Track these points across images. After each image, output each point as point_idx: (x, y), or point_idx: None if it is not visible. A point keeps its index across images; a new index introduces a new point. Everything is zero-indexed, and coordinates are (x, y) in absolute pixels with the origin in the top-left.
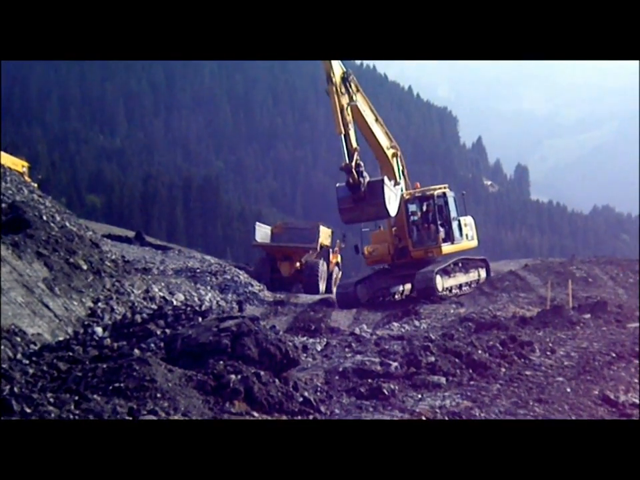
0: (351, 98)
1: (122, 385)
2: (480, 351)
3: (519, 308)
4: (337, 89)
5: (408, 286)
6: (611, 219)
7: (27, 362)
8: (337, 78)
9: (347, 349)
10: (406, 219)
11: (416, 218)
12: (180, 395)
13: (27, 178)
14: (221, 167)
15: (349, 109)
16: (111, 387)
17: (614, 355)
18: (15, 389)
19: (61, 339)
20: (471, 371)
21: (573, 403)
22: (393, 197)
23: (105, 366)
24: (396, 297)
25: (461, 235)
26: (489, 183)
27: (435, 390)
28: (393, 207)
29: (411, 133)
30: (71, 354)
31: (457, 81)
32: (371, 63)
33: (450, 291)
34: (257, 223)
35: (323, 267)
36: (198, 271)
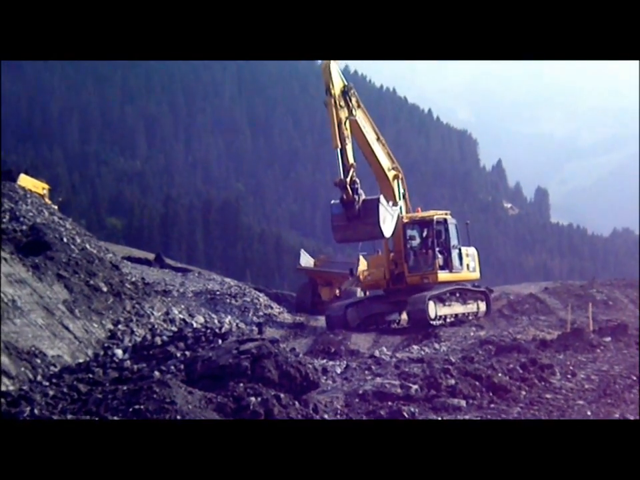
0: (350, 112)
1: (142, 407)
2: (500, 374)
3: (539, 331)
4: (335, 102)
5: (405, 316)
6: (630, 241)
7: (47, 384)
8: (336, 90)
9: (366, 372)
10: (404, 244)
11: (414, 243)
12: (200, 417)
13: (47, 200)
14: (240, 190)
15: (347, 123)
16: (131, 409)
17: (634, 377)
18: (35, 411)
19: (81, 360)
20: (491, 393)
21: None
22: (388, 218)
23: (125, 388)
24: (392, 325)
25: (461, 264)
26: (509, 205)
27: (455, 413)
28: (387, 228)
29: (431, 156)
30: (91, 376)
31: (476, 104)
32: (391, 85)
33: (444, 320)
34: (302, 250)
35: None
36: (218, 293)
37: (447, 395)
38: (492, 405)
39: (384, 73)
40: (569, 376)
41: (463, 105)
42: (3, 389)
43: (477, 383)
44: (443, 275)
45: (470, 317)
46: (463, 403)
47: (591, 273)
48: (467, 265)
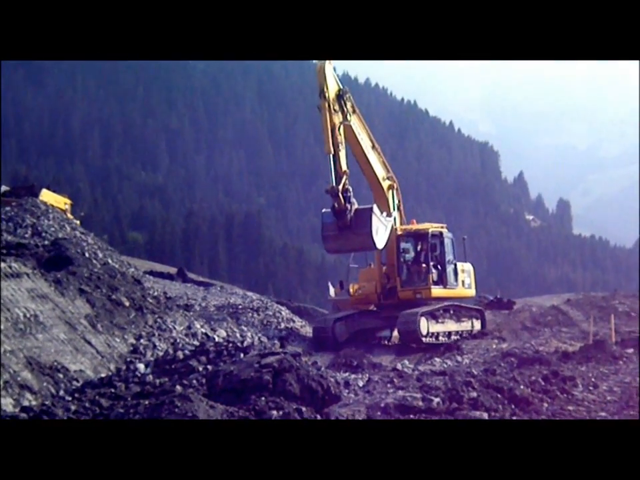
0: (345, 117)
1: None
2: (522, 386)
3: (562, 343)
4: (329, 105)
5: (396, 332)
6: None
7: (70, 399)
8: (330, 93)
9: (388, 385)
10: (397, 257)
11: (408, 256)
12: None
13: (69, 215)
14: (262, 203)
15: (341, 128)
16: None
17: None
18: None
19: (103, 375)
20: (513, 406)
21: None
22: (381, 228)
23: (147, 402)
24: (384, 342)
25: (456, 280)
26: (531, 217)
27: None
28: (380, 239)
29: (452, 168)
30: (113, 390)
31: (498, 116)
32: (412, 98)
33: (437, 337)
34: (329, 282)
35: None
36: (240, 307)
37: (469, 407)
38: (514, 417)
39: (404, 85)
40: (591, 388)
41: (484, 117)
42: (26, 403)
43: (499, 396)
44: (437, 291)
45: (463, 335)
46: (485, 415)
47: (613, 284)
48: (462, 281)
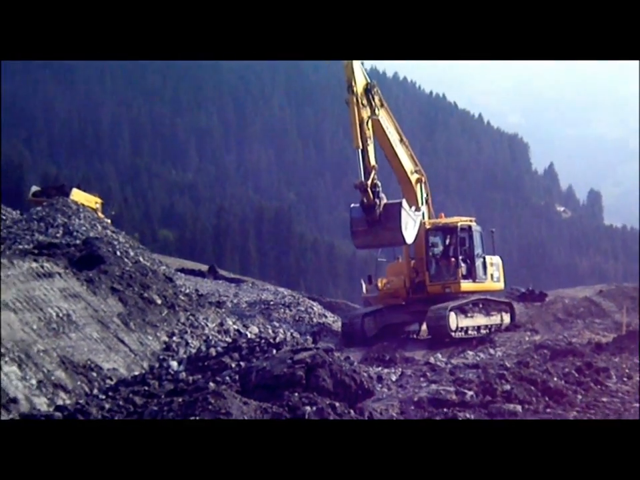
0: (373, 111)
1: (197, 418)
2: (555, 378)
3: (594, 334)
4: (357, 100)
5: (425, 327)
6: None
7: (103, 397)
8: (358, 88)
9: (421, 379)
10: (426, 251)
11: (436, 250)
12: (248, 419)
13: (100, 214)
14: (292, 199)
15: (369, 122)
16: None
17: None
18: None
19: (136, 373)
20: (546, 398)
21: None
22: (410, 223)
23: (180, 400)
24: (413, 336)
25: (485, 274)
26: (562, 209)
27: (511, 418)
28: (410, 234)
29: (482, 161)
30: (146, 388)
31: (527, 107)
32: (440, 91)
33: (466, 332)
34: (362, 280)
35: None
36: (272, 303)
37: (502, 400)
38: (548, 410)
39: (433, 79)
40: (625, 379)
41: (513, 109)
42: (60, 402)
43: (533, 388)
44: (466, 285)
45: (492, 329)
46: (519, 408)
47: None
48: (491, 275)
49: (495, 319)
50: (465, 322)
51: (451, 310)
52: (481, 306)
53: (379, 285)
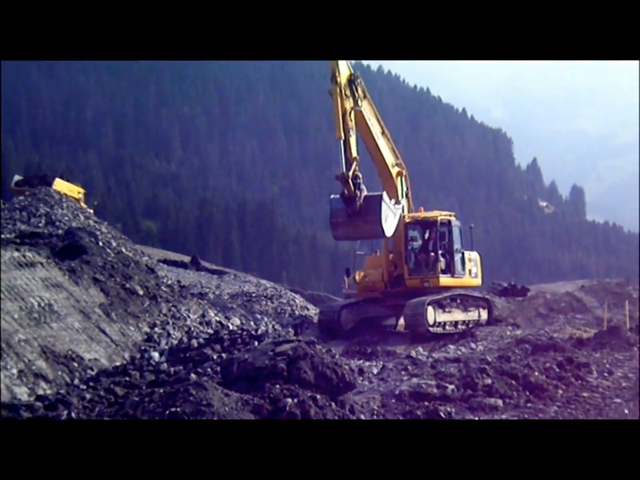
0: (356, 102)
1: (179, 409)
2: (537, 373)
3: (576, 329)
4: (341, 91)
5: (402, 321)
6: None
7: (84, 387)
8: (342, 78)
9: (403, 372)
10: (405, 245)
11: (415, 244)
12: (236, 419)
13: (82, 204)
14: (275, 192)
15: (352, 113)
16: (167, 412)
17: None
18: (73, 414)
19: (117, 364)
20: (527, 393)
21: None
22: (390, 216)
23: (161, 391)
24: (390, 329)
25: (463, 269)
26: (545, 204)
27: (492, 412)
28: (389, 227)
29: (466, 155)
30: (127, 379)
31: (511, 102)
32: (425, 85)
33: (444, 327)
34: (344, 275)
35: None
36: (254, 295)
37: (483, 394)
38: (529, 404)
39: (417, 73)
40: (605, 374)
41: (497, 104)
42: (41, 392)
43: (514, 382)
44: (445, 280)
45: (470, 325)
46: (500, 402)
47: (627, 270)
48: (469, 270)
49: (472, 315)
50: (442, 317)
51: (429, 304)
52: (458, 301)
53: (357, 277)
